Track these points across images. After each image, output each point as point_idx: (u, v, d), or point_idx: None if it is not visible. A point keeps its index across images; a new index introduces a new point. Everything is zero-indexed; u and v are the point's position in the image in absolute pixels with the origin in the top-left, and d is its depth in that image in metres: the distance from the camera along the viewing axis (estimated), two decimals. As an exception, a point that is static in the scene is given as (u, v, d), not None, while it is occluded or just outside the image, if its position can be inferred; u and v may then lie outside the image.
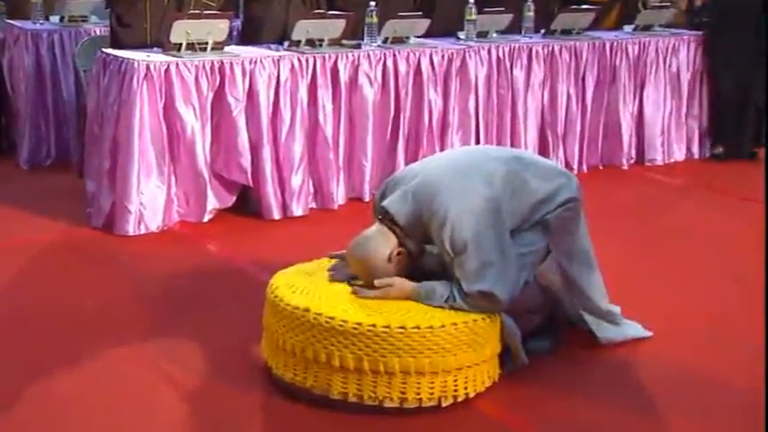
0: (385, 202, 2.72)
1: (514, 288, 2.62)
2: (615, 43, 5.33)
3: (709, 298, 3.44)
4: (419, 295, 2.62)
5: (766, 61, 5.38)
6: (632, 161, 5.51)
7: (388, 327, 2.47)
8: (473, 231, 2.55)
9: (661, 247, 4.03)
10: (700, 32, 5.68)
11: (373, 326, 2.47)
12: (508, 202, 2.66)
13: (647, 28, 5.64)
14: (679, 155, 5.70)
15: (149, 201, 4.05)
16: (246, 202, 4.37)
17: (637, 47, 5.42)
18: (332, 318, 2.50)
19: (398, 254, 2.67)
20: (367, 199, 4.62)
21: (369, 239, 2.69)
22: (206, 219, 4.21)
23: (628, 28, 5.63)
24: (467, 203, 2.59)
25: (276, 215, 4.32)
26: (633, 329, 3.03)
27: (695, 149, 5.75)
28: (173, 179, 4.14)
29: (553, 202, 2.76)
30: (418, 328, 2.48)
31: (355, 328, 2.47)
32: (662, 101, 5.55)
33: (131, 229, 4.03)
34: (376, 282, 2.63)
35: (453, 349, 2.51)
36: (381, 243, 2.68)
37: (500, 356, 2.70)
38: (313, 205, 4.49)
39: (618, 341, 2.98)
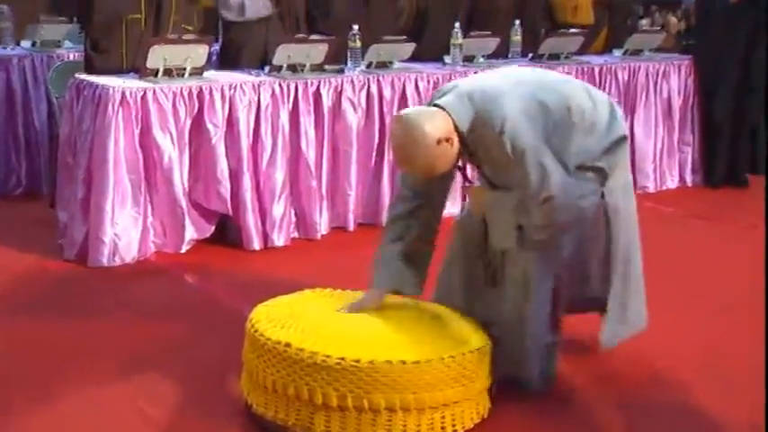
0: (440, 101, 2.56)
1: (576, 196, 2.56)
2: (604, 68, 5.25)
3: (702, 326, 3.37)
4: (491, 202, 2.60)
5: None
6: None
7: (372, 362, 2.34)
8: (531, 137, 2.48)
9: (654, 275, 3.92)
10: (690, 56, 5.62)
11: (357, 361, 2.35)
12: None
13: (636, 52, 5.57)
14: (671, 182, 5.60)
15: (124, 231, 3.90)
16: (226, 232, 4.23)
17: (626, 72, 5.34)
18: (314, 353, 2.37)
19: (448, 140, 2.50)
20: (351, 228, 4.51)
21: (423, 113, 2.54)
22: (184, 249, 4.07)
23: (617, 52, 5.56)
24: (524, 109, 2.51)
25: (257, 245, 4.18)
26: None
27: (688, 177, 5.66)
28: (149, 208, 4.00)
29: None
30: (404, 362, 2.36)
31: (338, 364, 2.34)
32: (653, 127, 5.47)
33: (105, 260, 3.88)
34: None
35: (440, 384, 2.40)
36: (436, 121, 2.50)
37: (489, 390, 2.59)
38: (295, 235, 4.35)
39: (618, 341, 2.91)
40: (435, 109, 2.56)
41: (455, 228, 2.93)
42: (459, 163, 2.68)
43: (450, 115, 2.53)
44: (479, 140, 2.55)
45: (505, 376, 2.68)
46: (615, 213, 2.77)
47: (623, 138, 2.73)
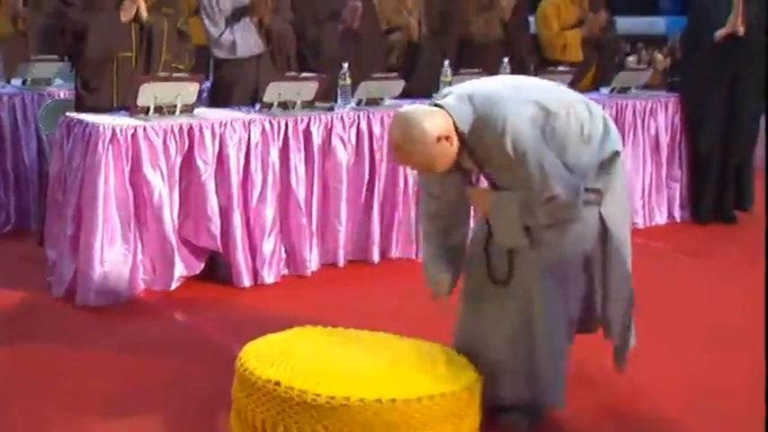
0: (440, 101, 2.58)
1: (578, 192, 2.56)
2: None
3: (691, 361, 3.38)
4: (494, 204, 2.62)
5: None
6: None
7: (362, 400, 2.32)
8: (532, 139, 2.50)
9: (642, 310, 3.92)
10: (676, 94, 5.67)
11: (347, 399, 2.33)
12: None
13: (624, 90, 5.61)
14: (660, 218, 5.63)
15: (113, 268, 3.88)
16: (216, 269, 4.22)
17: (614, 109, 5.38)
18: (304, 391, 2.35)
19: (447, 138, 2.51)
20: (341, 264, 4.50)
21: (423, 111, 2.56)
22: (173, 287, 4.05)
23: (604, 90, 5.61)
24: (524, 111, 2.53)
25: (247, 282, 4.16)
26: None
27: (677, 212, 5.68)
28: (138, 246, 3.98)
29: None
30: (394, 401, 2.34)
31: (328, 402, 2.32)
32: (641, 164, 5.51)
33: (94, 298, 3.85)
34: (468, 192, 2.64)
35: (431, 423, 2.38)
36: (436, 119, 2.53)
37: (479, 428, 2.57)
38: (285, 272, 4.34)
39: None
40: (435, 108, 2.58)
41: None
42: (463, 165, 2.69)
43: (450, 115, 2.55)
44: (480, 141, 2.57)
45: (513, 401, 2.67)
46: (612, 240, 2.76)
47: (617, 153, 2.72)
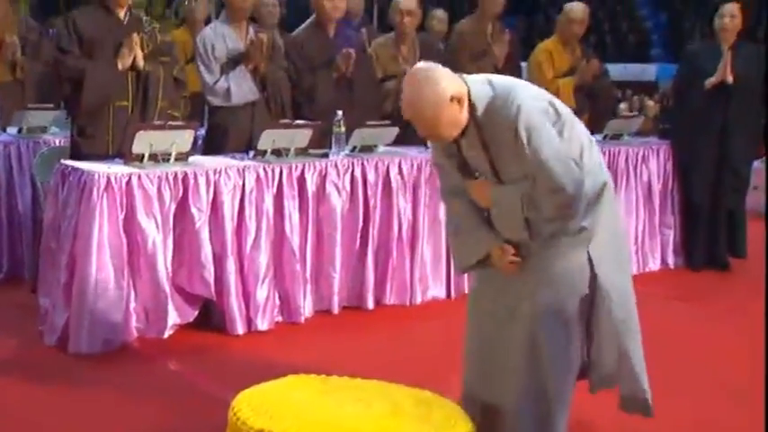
0: (462, 76, 2.64)
1: (582, 189, 2.61)
2: (584, 152, 5.31)
3: (687, 407, 3.36)
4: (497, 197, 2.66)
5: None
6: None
7: (359, 451, 2.29)
8: (544, 128, 2.58)
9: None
10: (668, 141, 5.71)
11: (343, 450, 2.30)
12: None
13: (616, 137, 5.66)
14: (654, 265, 5.64)
15: (106, 317, 3.85)
16: (209, 317, 4.19)
17: (607, 156, 5.41)
18: (298, 442, 2.32)
19: (459, 102, 2.56)
20: (336, 311, 4.48)
21: (443, 69, 2.60)
22: (166, 335, 4.02)
23: (597, 136, 5.64)
24: (538, 104, 2.62)
25: (240, 330, 4.14)
26: None
27: (670, 259, 5.69)
28: (132, 294, 3.96)
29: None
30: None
31: (323, 454, 2.29)
32: (634, 210, 5.53)
33: (86, 347, 3.82)
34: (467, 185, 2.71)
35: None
36: (454, 80, 2.60)
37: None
38: (279, 319, 4.32)
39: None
40: (455, 74, 2.64)
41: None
42: (466, 153, 2.73)
43: (468, 86, 2.62)
44: (492, 123, 2.61)
45: None
46: (600, 287, 2.75)
47: (604, 183, 2.75)
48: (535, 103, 2.63)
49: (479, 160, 2.74)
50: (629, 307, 2.88)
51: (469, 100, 2.61)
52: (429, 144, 2.96)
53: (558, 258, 2.70)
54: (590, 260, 2.72)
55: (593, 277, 2.73)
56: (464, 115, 2.61)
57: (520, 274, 2.75)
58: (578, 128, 2.75)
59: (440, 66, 2.65)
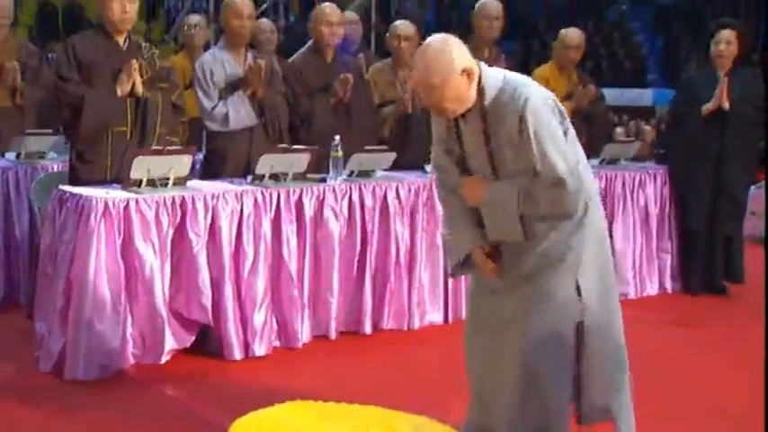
0: (479, 62, 2.72)
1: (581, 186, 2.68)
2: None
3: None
4: (487, 195, 2.69)
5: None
6: (604, 295, 5.41)
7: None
8: (550, 120, 2.65)
9: (636, 383, 3.90)
10: (665, 166, 5.73)
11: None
12: None
13: (613, 161, 5.67)
14: (651, 289, 5.63)
15: (103, 343, 3.84)
16: (206, 342, 4.18)
17: (604, 180, 5.43)
18: (295, 469, 2.31)
19: (470, 76, 2.63)
20: (333, 336, 4.47)
21: (457, 43, 2.66)
22: (163, 360, 4.00)
23: (594, 161, 5.66)
24: (546, 101, 2.69)
25: (237, 355, 4.13)
26: None
27: (668, 284, 5.69)
28: (128, 319, 3.95)
29: None
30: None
31: (321, 481, 2.28)
32: (631, 235, 5.53)
33: (83, 373, 3.80)
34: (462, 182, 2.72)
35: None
36: (466, 55, 2.66)
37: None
38: (276, 344, 4.31)
39: None
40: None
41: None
42: (466, 145, 2.76)
43: (481, 71, 2.68)
44: (497, 113, 2.66)
45: None
46: (592, 320, 2.76)
47: (587, 204, 2.78)
48: (543, 100, 2.69)
49: (478, 153, 2.77)
50: (618, 338, 2.87)
51: (480, 85, 2.67)
52: (433, 140, 2.97)
53: (548, 286, 2.72)
54: (578, 289, 2.73)
55: (583, 309, 2.74)
56: (472, 93, 2.67)
57: (511, 306, 2.75)
58: (577, 143, 2.80)
59: (455, 38, 2.70)
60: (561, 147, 2.65)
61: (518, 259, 2.76)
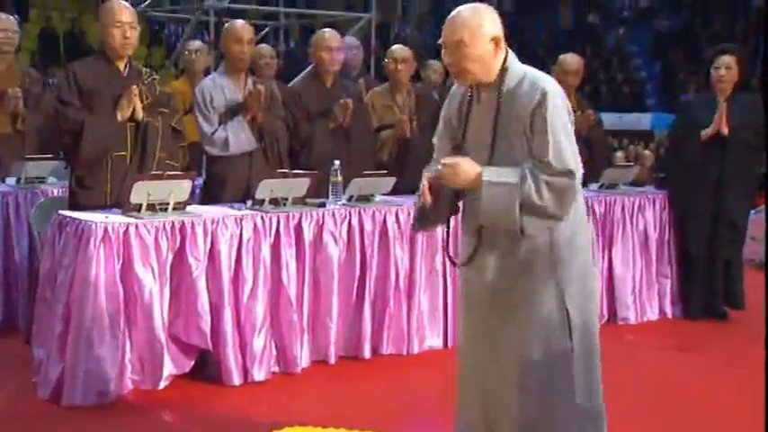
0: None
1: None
2: (581, 201, 5.34)
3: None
4: (487, 175, 2.67)
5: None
6: (605, 320, 5.40)
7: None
8: (564, 114, 2.72)
9: (636, 409, 3.88)
10: (664, 191, 5.73)
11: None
12: None
13: (612, 186, 5.68)
14: (651, 314, 5.62)
15: (101, 369, 3.81)
16: (205, 367, 4.16)
17: (603, 205, 5.44)
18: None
19: (497, 45, 2.73)
20: (332, 361, 4.45)
21: (493, 12, 2.76)
22: (162, 386, 3.98)
23: (593, 186, 5.67)
24: (562, 99, 2.74)
25: (236, 381, 4.11)
26: None
27: (668, 308, 5.68)
28: (127, 344, 3.93)
29: None
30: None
31: None
32: (631, 259, 5.53)
33: (80, 399, 3.78)
34: (445, 160, 2.69)
35: None
36: (497, 24, 2.75)
37: None
38: (275, 369, 4.29)
39: None
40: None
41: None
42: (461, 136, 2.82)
43: (507, 54, 2.78)
44: (514, 99, 2.72)
45: None
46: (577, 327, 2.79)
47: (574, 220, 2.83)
48: (560, 95, 2.75)
49: (480, 142, 2.82)
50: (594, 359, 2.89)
51: (504, 64, 2.76)
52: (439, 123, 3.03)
53: (534, 303, 2.74)
54: (566, 311, 2.76)
55: (570, 328, 2.77)
56: (495, 65, 2.75)
57: (501, 325, 2.78)
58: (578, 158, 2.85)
59: (489, 7, 2.79)
60: (572, 141, 2.73)
61: (503, 259, 2.79)
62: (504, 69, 2.76)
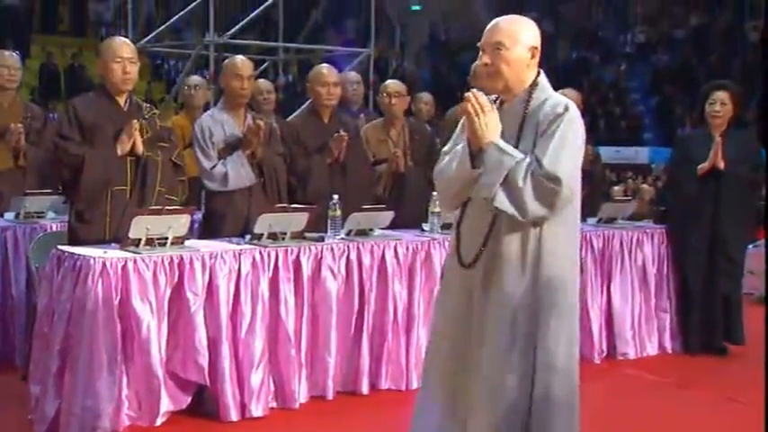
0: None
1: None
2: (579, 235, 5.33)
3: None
4: (498, 141, 2.77)
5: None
6: (604, 355, 5.38)
7: None
8: (578, 136, 2.82)
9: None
10: (663, 226, 5.73)
11: None
12: None
13: (610, 220, 5.69)
14: (651, 349, 5.60)
15: (97, 405, 3.78)
16: (202, 403, 4.14)
17: (601, 240, 5.44)
18: None
19: (533, 56, 2.84)
20: (330, 396, 4.43)
21: (532, 24, 2.88)
22: (158, 422, 3.95)
23: (591, 220, 5.68)
24: (581, 123, 2.86)
25: (234, 416, 4.08)
26: None
27: (667, 343, 5.66)
28: (124, 380, 3.90)
29: None
30: None
31: None
32: (630, 294, 5.52)
33: (77, 435, 3.75)
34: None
35: None
36: (536, 35, 2.86)
37: None
38: (273, 404, 4.27)
39: None
40: None
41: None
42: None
43: (540, 73, 2.89)
44: (536, 117, 2.82)
45: None
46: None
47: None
48: (580, 120, 2.84)
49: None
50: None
51: (536, 79, 2.85)
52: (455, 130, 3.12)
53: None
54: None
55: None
56: (527, 76, 2.85)
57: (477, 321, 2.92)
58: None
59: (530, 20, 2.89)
60: (575, 161, 2.79)
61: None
62: (534, 84, 2.86)
